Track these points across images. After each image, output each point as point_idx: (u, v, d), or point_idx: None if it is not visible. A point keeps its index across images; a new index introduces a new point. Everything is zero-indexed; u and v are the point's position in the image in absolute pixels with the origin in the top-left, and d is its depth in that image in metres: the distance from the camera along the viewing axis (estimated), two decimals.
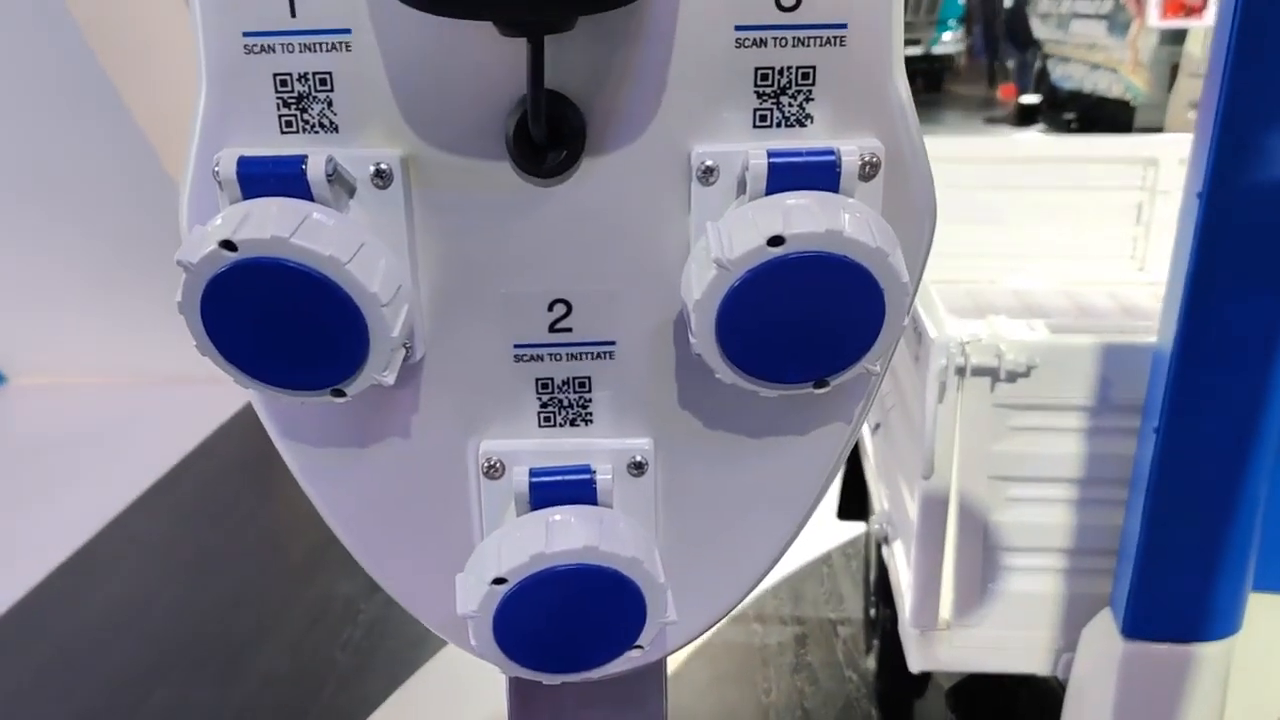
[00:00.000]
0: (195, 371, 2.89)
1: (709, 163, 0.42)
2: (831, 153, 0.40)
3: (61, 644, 2.12)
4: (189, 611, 2.25)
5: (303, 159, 0.41)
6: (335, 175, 0.41)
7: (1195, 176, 1.02)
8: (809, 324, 0.41)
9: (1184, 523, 1.13)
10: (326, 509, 0.49)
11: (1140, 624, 1.17)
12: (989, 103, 7.66)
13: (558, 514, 0.44)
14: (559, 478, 0.45)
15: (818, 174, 0.40)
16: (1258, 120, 0.98)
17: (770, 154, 0.40)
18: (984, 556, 1.25)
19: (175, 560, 2.47)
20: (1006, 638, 1.32)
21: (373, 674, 2.02)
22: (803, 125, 0.42)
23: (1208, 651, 1.17)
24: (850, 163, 0.40)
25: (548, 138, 0.41)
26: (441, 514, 0.48)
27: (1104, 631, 1.22)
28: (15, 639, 2.15)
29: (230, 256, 0.39)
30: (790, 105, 0.42)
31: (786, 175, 0.40)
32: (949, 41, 8.38)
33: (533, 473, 0.44)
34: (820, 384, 0.43)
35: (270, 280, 0.39)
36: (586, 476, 0.45)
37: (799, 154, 0.40)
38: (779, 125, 0.42)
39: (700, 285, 0.40)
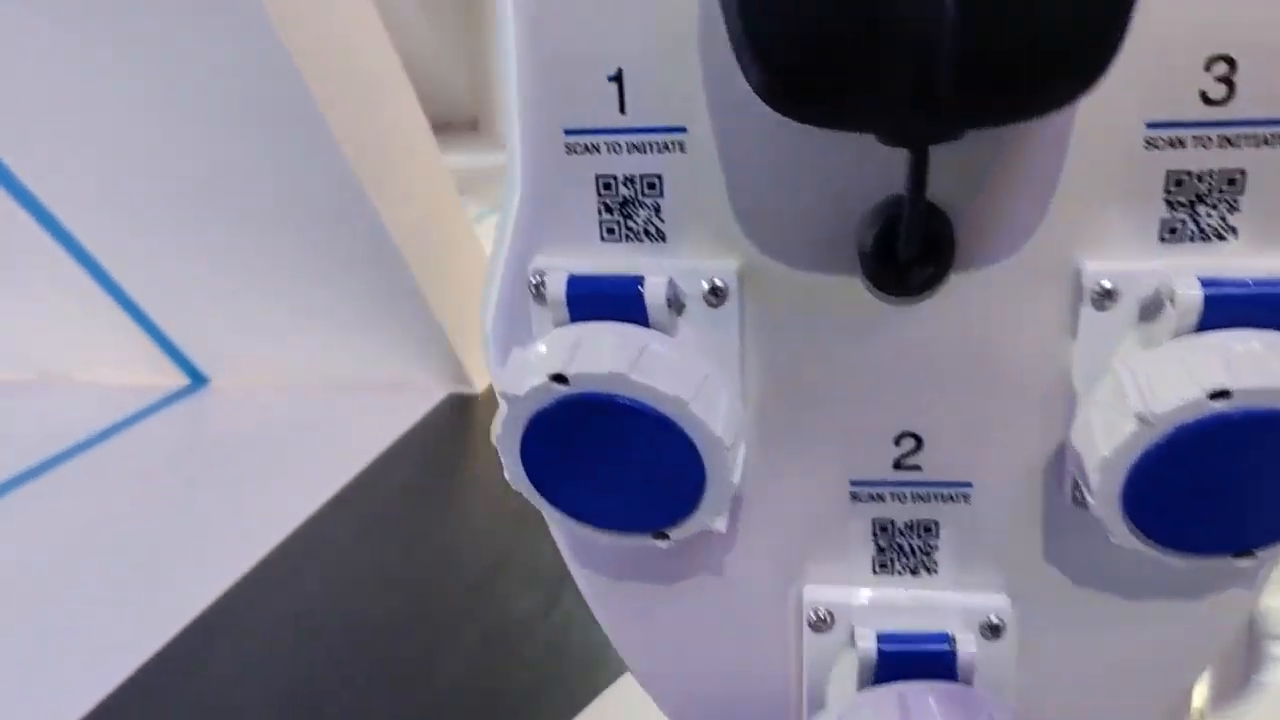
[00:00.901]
0: (376, 377, 2.92)
1: (1107, 284, 0.35)
2: None
3: (241, 652, 2.17)
4: (366, 623, 2.28)
5: (639, 280, 0.35)
6: (674, 298, 0.36)
7: None
8: (1244, 489, 0.33)
9: None
10: (620, 641, 0.44)
11: None
12: None
13: (912, 691, 0.37)
14: (913, 646, 0.38)
15: (1267, 310, 0.33)
16: None
17: (1204, 282, 0.33)
18: (1248, 643, 1.13)
19: (354, 571, 2.50)
20: None
21: (551, 695, 1.99)
22: (1222, 239, 0.35)
23: None
24: None
25: (915, 255, 0.35)
26: (751, 662, 0.43)
27: None
28: (201, 644, 2.21)
29: (561, 390, 0.34)
30: (1209, 216, 0.35)
31: (1226, 310, 0.33)
32: None
33: (881, 638, 0.38)
34: (1243, 554, 0.35)
35: (604, 419, 0.34)
36: (945, 647, 0.38)
37: (1243, 285, 0.33)
38: (1192, 239, 0.35)
39: (1109, 440, 0.33)
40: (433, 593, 2.39)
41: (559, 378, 0.34)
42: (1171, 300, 0.33)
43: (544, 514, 0.40)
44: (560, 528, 0.42)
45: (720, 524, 0.36)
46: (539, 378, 0.34)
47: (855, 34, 0.28)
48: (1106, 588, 0.40)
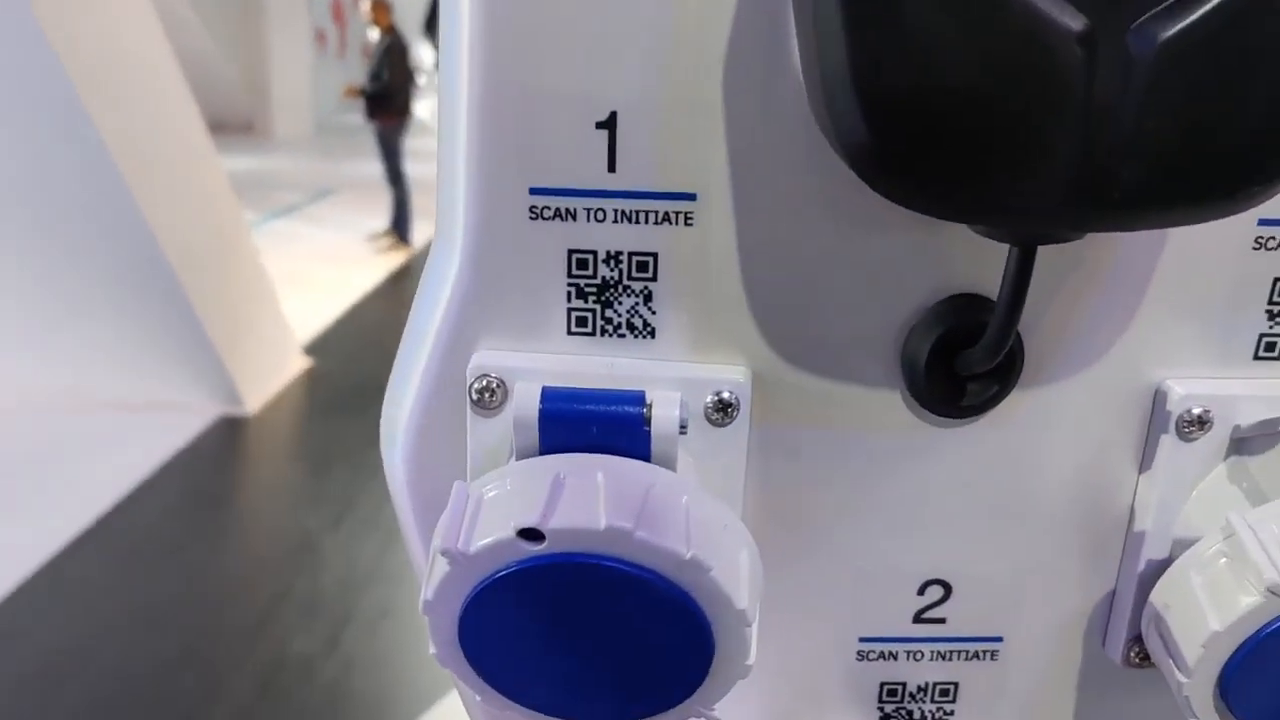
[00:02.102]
0: (140, 396, 2.68)
1: (1198, 410, 0.29)
2: None
3: None
4: (126, 670, 2.05)
5: (642, 399, 0.26)
6: (684, 429, 0.27)
7: None
8: None
9: None
10: None
11: None
12: None
13: None
14: None
15: None
16: None
17: None
18: None
19: (113, 610, 2.25)
20: None
21: None
22: None
23: None
24: None
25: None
26: None
27: None
28: None
29: (532, 550, 0.25)
30: None
31: None
32: None
33: None
34: None
35: (591, 588, 0.25)
36: None
37: None
38: None
39: (1224, 612, 0.27)
40: (202, 632, 2.18)
41: (531, 533, 0.24)
42: None
43: (465, 693, 0.31)
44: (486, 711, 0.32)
45: (716, 713, 0.28)
46: (502, 531, 0.24)
47: (1025, 102, 0.20)
48: None
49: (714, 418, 0.28)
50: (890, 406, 0.29)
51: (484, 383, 0.27)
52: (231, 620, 2.22)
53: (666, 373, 0.28)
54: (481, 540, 0.25)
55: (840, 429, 0.29)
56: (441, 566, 0.25)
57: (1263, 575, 0.26)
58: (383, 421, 0.30)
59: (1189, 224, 0.23)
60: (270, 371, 2.95)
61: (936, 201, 0.22)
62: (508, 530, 0.24)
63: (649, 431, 0.26)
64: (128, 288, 2.51)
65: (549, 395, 0.26)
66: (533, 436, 0.26)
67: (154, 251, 2.43)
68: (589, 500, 0.25)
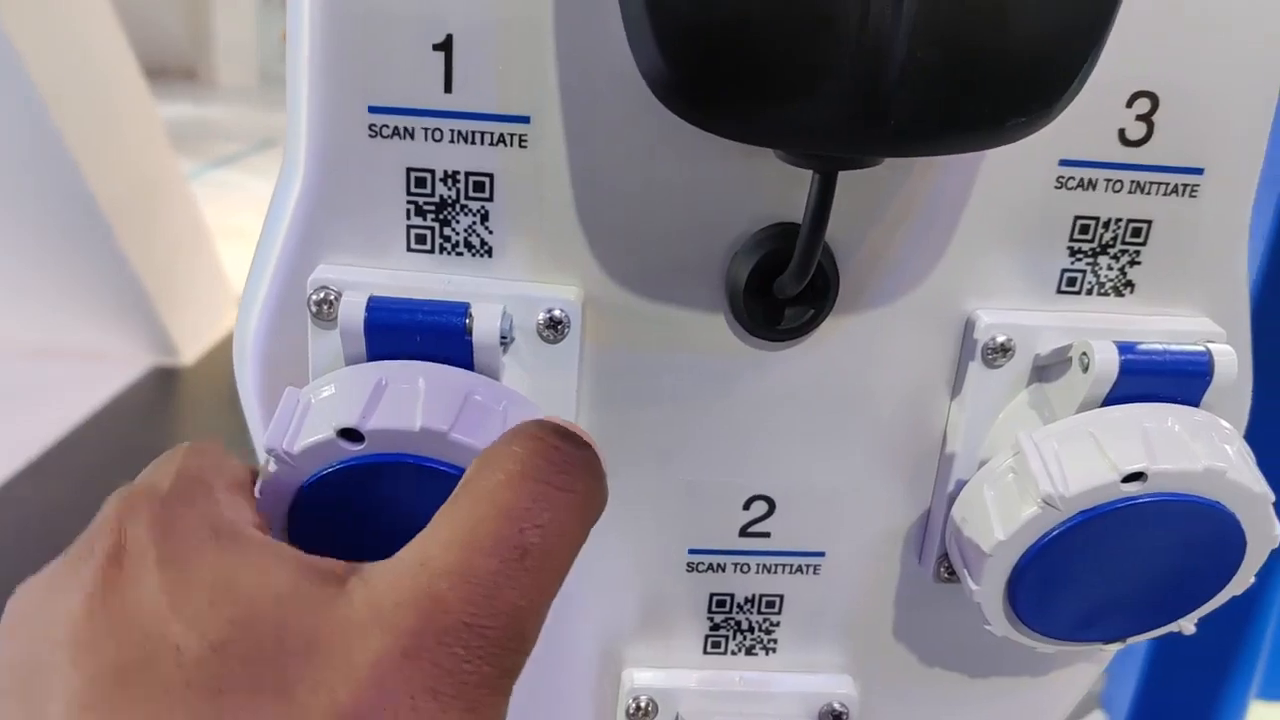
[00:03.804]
0: (69, 344, 2.64)
1: (1002, 339, 0.31)
2: (1204, 356, 0.29)
3: None
4: None
5: (464, 310, 0.28)
6: (505, 341, 0.28)
7: None
8: (1140, 579, 0.30)
9: (1201, 625, 1.06)
10: None
11: None
12: None
13: None
14: None
15: (1182, 381, 0.29)
16: None
17: (1122, 348, 0.29)
18: None
19: (31, 567, 2.23)
20: None
21: None
22: (1119, 295, 0.31)
23: None
24: (1225, 368, 0.29)
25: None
26: None
27: None
28: None
29: (352, 450, 0.26)
30: (1110, 269, 0.31)
31: (1142, 379, 0.29)
32: None
33: None
34: (1113, 641, 0.32)
35: (409, 490, 0.26)
36: None
37: (1161, 355, 0.29)
38: (1090, 292, 0.31)
39: (1006, 522, 0.29)
40: None
41: (351, 433, 0.26)
42: (1084, 365, 0.29)
43: None
44: None
45: None
46: (323, 432, 0.26)
47: (800, 28, 0.21)
48: (954, 665, 0.36)
49: (546, 334, 0.29)
50: (716, 330, 0.31)
51: (322, 294, 0.29)
52: None
53: (500, 290, 0.29)
54: (305, 440, 0.26)
55: (669, 351, 0.31)
56: (267, 467, 0.27)
57: (1039, 487, 0.28)
58: (235, 336, 0.32)
59: (961, 152, 0.25)
60: (206, 322, 2.92)
61: (731, 124, 0.24)
62: (327, 431, 0.26)
63: (470, 341, 0.27)
64: (57, 232, 2.47)
65: (375, 305, 0.28)
66: (360, 345, 0.28)
67: (84, 195, 2.39)
68: (410, 403, 0.26)
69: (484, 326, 0.27)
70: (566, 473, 0.22)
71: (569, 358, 0.30)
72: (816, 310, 0.30)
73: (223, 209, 3.93)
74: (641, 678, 0.34)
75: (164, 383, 2.81)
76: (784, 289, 0.29)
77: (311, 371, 0.30)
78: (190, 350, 2.83)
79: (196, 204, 2.87)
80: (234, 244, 3.31)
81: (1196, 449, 0.28)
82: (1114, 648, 0.33)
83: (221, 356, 2.97)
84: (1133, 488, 0.28)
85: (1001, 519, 0.29)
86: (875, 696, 0.36)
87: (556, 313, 0.29)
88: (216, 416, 2.82)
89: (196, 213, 2.85)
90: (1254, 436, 0.31)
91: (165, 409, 2.78)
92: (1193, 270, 0.31)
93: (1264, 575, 1.01)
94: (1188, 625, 0.32)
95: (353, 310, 0.27)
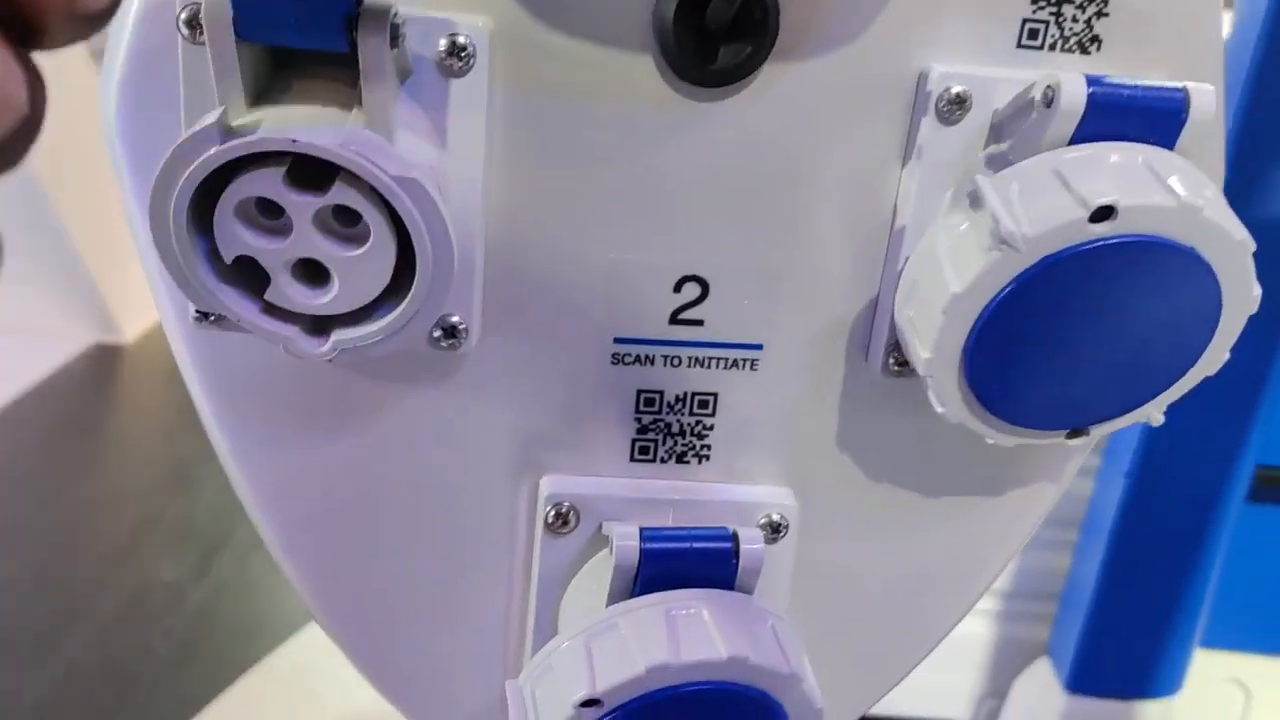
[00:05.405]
0: (5, 319, 2.58)
1: (957, 90, 0.28)
2: (1180, 94, 0.27)
3: None
4: None
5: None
6: (398, 40, 0.25)
7: None
8: (1106, 346, 0.27)
9: (1145, 573, 1.05)
10: (275, 533, 0.32)
11: (1086, 678, 1.09)
12: None
13: (679, 603, 0.29)
14: (687, 545, 0.29)
15: (1154, 121, 0.27)
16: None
17: (1090, 80, 0.26)
18: None
19: None
20: (927, 681, 1.22)
21: (198, 670, 1.79)
22: (1085, 51, 0.29)
23: (1152, 710, 1.10)
24: (1204, 108, 0.26)
25: (728, 27, 0.27)
26: (463, 575, 0.33)
27: (1042, 682, 1.14)
28: None
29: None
30: (1075, 21, 0.28)
31: (1110, 117, 0.26)
32: None
33: (646, 535, 0.29)
34: (1078, 432, 0.29)
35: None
36: (725, 545, 0.30)
37: (1133, 89, 0.26)
38: (1053, 48, 0.29)
39: (963, 271, 0.26)
40: (65, 558, 2.09)
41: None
42: (1047, 100, 0.26)
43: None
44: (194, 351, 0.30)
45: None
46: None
47: None
48: (903, 481, 0.33)
49: (448, 64, 0.26)
50: (643, 71, 0.28)
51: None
52: (97, 546, 2.15)
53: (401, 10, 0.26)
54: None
55: (590, 97, 0.28)
56: None
57: (1000, 225, 0.25)
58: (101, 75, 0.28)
59: None
60: (149, 301, 2.84)
61: None
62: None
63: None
64: None
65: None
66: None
67: (24, 166, 2.32)
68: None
69: (371, 21, 0.24)
70: None
71: (475, 96, 0.27)
72: (754, 48, 0.27)
73: None
74: (562, 485, 0.31)
75: (104, 360, 2.74)
76: (718, 14, 0.26)
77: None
78: (131, 328, 2.76)
79: None
80: None
81: (1173, 184, 0.25)
82: (1078, 444, 0.30)
83: (163, 334, 2.90)
84: (1101, 228, 0.25)
85: (956, 270, 0.26)
86: (814, 514, 0.33)
87: (460, 39, 0.26)
88: (154, 393, 2.76)
89: None
90: None
91: (104, 386, 2.71)
92: (1164, 27, 0.29)
93: (1205, 522, 1.00)
94: (1156, 413, 0.29)
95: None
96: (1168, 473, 1.03)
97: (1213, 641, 1.14)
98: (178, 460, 2.41)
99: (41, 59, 0.18)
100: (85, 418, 2.56)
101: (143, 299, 2.78)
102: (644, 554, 0.29)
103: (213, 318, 0.28)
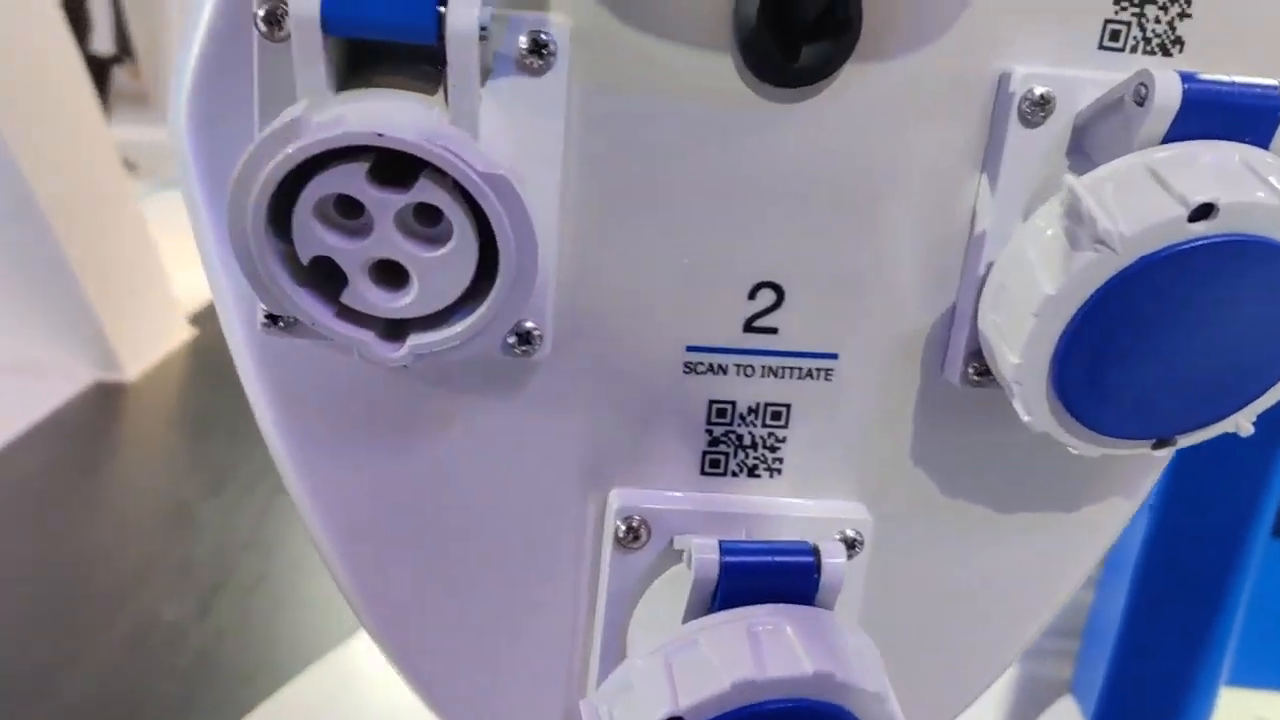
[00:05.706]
0: (8, 357, 2.57)
1: (1041, 91, 0.27)
2: (1275, 91, 0.26)
3: None
4: None
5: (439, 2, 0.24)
6: (485, 34, 0.24)
7: None
8: (1200, 352, 0.26)
9: (1170, 610, 1.03)
10: (332, 542, 0.31)
11: (1111, 717, 1.07)
12: None
13: (760, 619, 0.28)
14: (769, 559, 0.29)
15: (1249, 119, 0.26)
16: None
17: (1185, 78, 0.26)
18: None
19: None
20: None
21: (200, 710, 1.76)
22: (1167, 53, 0.28)
23: None
24: None
25: (811, 26, 0.26)
26: (526, 590, 0.32)
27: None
28: None
29: None
30: (1158, 22, 0.28)
31: (1204, 115, 0.26)
32: None
33: (726, 548, 0.28)
34: (1163, 443, 0.29)
35: None
36: (808, 559, 0.29)
37: (1229, 86, 0.26)
38: (1134, 50, 0.28)
39: (1055, 272, 0.25)
40: (67, 597, 2.07)
41: None
42: (1139, 98, 0.26)
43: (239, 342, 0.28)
44: (259, 359, 0.29)
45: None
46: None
47: None
48: (977, 495, 0.32)
49: (529, 62, 0.26)
50: (722, 74, 0.27)
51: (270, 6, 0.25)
52: (98, 586, 2.12)
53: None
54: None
55: (668, 97, 0.27)
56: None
57: (1098, 226, 0.25)
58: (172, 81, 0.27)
59: None
60: (152, 339, 2.85)
61: None
62: None
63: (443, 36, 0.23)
64: (1, 243, 2.41)
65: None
66: (314, 34, 0.24)
67: (30, 204, 2.33)
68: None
69: (460, 20, 0.23)
70: None
71: (555, 97, 0.26)
72: (837, 47, 0.27)
73: (176, 227, 3.84)
74: (633, 499, 0.30)
75: (106, 398, 2.72)
76: (807, 7, 0.25)
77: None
78: (133, 366, 2.75)
79: (145, 221, 2.80)
80: (186, 260, 3.24)
81: (1274, 182, 0.25)
82: (1163, 455, 0.29)
83: (165, 373, 2.89)
84: (1200, 227, 0.24)
85: (1050, 272, 0.25)
86: (887, 528, 0.32)
87: (542, 35, 0.25)
88: (156, 432, 2.74)
89: (145, 229, 2.78)
90: None
91: (106, 424, 2.69)
92: (1247, 29, 0.28)
93: (1230, 557, 0.99)
94: (1245, 422, 0.28)
95: (307, 6, 0.23)
96: (1192, 507, 1.02)
97: (1238, 679, 1.12)
98: (178, 501, 2.40)
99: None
100: (86, 457, 2.55)
101: (146, 336, 2.78)
102: (724, 567, 0.28)
103: (282, 323, 0.27)
